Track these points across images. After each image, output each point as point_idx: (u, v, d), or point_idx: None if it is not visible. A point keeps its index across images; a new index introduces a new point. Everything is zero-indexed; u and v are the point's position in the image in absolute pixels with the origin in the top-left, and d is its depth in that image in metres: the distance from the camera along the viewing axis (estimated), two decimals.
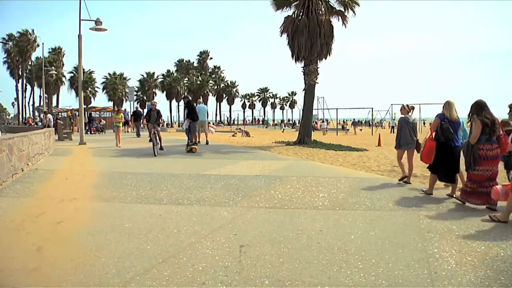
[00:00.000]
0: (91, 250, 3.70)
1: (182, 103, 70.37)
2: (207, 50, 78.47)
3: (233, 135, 28.99)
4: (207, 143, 15.50)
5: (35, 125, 32.93)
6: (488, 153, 5.33)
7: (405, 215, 5.04)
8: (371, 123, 44.90)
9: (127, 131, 27.40)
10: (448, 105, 6.14)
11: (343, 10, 17.99)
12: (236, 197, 6.03)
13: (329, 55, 17.92)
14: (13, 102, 78.10)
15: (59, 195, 6.22)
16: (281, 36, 18.52)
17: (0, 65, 60.25)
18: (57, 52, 62.21)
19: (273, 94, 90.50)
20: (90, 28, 16.54)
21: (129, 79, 67.35)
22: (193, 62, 76.80)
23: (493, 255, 3.61)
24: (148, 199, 5.88)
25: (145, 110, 27.90)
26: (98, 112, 38.60)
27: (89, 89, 63.19)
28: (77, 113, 27.13)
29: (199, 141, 15.72)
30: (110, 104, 60.20)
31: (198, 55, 78.11)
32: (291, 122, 71.83)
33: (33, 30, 59.31)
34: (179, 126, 48.28)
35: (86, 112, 31.43)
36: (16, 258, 3.52)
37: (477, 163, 5.31)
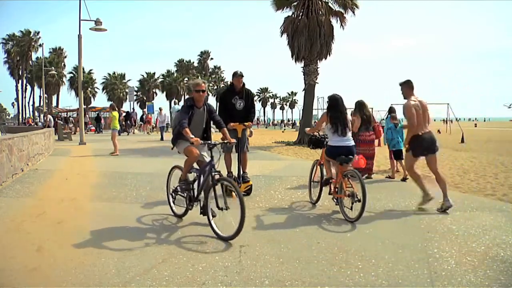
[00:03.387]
0: (91, 250, 3.70)
1: (181, 103, 70.44)
2: (207, 50, 78.50)
3: None
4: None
5: (35, 125, 32.98)
6: (367, 138, 7.68)
7: (405, 215, 5.04)
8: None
9: (134, 133, 27.19)
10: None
11: (342, 11, 18.02)
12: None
13: (329, 55, 17.97)
14: (13, 102, 78.10)
15: (59, 195, 6.22)
16: (281, 36, 18.54)
17: (0, 65, 60.41)
18: (58, 53, 62.32)
19: (273, 94, 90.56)
20: (90, 28, 16.57)
21: (130, 80, 67.47)
22: (194, 62, 76.76)
23: (493, 255, 3.60)
24: (148, 199, 5.88)
25: (145, 111, 27.98)
26: (97, 112, 38.56)
27: (89, 89, 63.23)
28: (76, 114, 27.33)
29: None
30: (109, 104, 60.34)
31: (198, 55, 78.12)
32: (291, 122, 71.81)
33: (38, 32, 59.58)
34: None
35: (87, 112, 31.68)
36: (16, 258, 3.52)
37: (357, 145, 6.41)
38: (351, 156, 5.01)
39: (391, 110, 8.40)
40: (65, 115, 37.28)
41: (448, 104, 37.50)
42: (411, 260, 3.48)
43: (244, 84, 6.22)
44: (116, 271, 3.23)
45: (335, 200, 5.01)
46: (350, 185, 4.74)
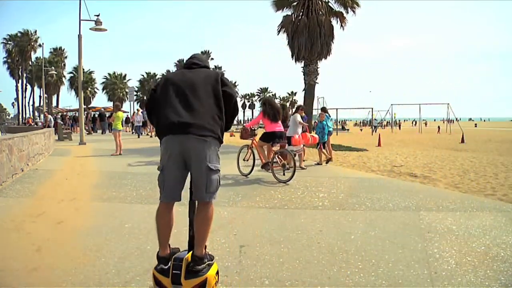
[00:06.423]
0: (91, 250, 3.70)
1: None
2: (208, 50, 78.33)
3: (230, 135, 29.00)
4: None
5: (35, 125, 33.02)
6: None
7: (405, 215, 5.04)
8: (371, 123, 44.89)
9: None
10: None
11: (342, 11, 18.05)
12: (236, 197, 6.03)
13: (329, 55, 17.99)
14: (13, 102, 78.12)
15: (59, 195, 6.22)
16: (278, 34, 18.60)
17: (0, 65, 60.37)
18: (58, 53, 62.31)
19: (273, 94, 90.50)
20: (90, 28, 16.56)
21: (130, 79, 67.49)
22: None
23: (493, 255, 3.60)
24: (148, 199, 5.87)
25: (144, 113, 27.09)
26: (94, 113, 38.51)
27: (89, 89, 63.25)
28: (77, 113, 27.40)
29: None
30: (110, 104, 60.26)
31: None
32: None
33: (35, 31, 59.52)
34: None
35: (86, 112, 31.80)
36: (16, 258, 3.52)
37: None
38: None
39: (324, 110, 11.11)
40: (74, 115, 37.43)
41: (448, 104, 37.53)
42: (411, 260, 3.48)
43: None
44: (116, 271, 3.23)
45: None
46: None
